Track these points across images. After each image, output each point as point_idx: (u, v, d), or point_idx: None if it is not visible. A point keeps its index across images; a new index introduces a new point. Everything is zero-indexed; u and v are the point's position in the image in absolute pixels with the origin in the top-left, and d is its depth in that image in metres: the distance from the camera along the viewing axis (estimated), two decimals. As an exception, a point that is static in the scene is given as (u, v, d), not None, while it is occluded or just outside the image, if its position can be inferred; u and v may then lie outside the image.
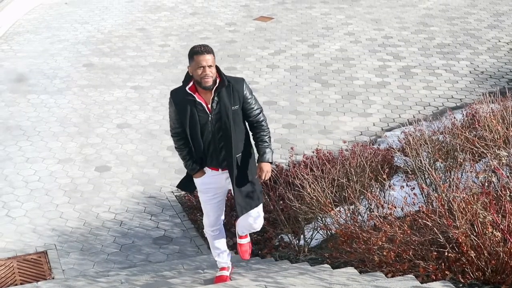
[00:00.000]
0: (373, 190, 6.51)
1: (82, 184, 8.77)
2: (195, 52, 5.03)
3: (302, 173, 6.74)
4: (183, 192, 8.49)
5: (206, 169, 5.36)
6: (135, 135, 10.03)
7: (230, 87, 5.14)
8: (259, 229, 5.69)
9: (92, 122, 10.41)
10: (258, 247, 7.08)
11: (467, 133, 7.15)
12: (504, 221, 4.47)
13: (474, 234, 4.58)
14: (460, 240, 4.60)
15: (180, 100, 5.17)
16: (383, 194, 6.51)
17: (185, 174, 5.59)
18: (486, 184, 5.32)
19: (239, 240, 5.89)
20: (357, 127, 10.19)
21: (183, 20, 14.89)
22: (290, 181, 6.90)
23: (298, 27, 14.30)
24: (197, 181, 5.46)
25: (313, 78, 11.82)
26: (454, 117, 8.21)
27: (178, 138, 5.33)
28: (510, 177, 5.22)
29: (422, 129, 7.49)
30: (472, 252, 4.56)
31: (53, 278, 6.93)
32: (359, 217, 6.06)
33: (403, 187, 6.34)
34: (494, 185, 5.39)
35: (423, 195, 6.13)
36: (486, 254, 4.54)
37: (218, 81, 5.12)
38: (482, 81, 11.57)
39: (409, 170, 6.77)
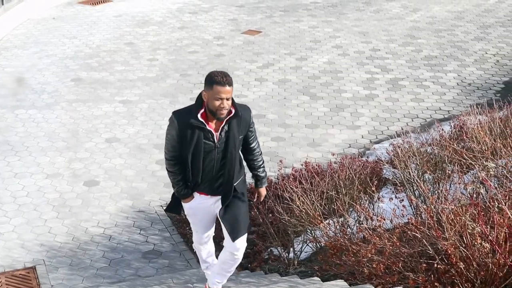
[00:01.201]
0: (362, 203, 6.51)
1: (70, 199, 8.73)
2: (217, 82, 4.80)
3: (291, 186, 6.74)
4: (172, 206, 8.46)
5: (195, 194, 5.27)
6: (124, 149, 10.01)
7: (240, 117, 4.99)
8: (237, 264, 5.43)
9: (80, 137, 10.38)
10: (247, 260, 7.06)
11: (455, 145, 7.18)
12: (493, 232, 4.49)
13: (463, 245, 4.59)
14: (449, 251, 4.61)
15: (187, 125, 4.95)
16: (372, 206, 6.51)
17: (172, 197, 5.45)
18: (475, 195, 5.34)
19: None
20: (345, 139, 10.21)
21: (171, 34, 14.91)
22: (279, 194, 6.90)
23: (286, 40, 14.36)
24: (185, 205, 5.36)
25: (302, 91, 11.85)
26: (442, 129, 8.25)
27: (174, 163, 5.14)
28: (498, 189, 5.24)
29: (411, 141, 7.52)
30: (461, 263, 4.57)
31: (41, 294, 6.88)
32: (349, 229, 6.06)
33: (392, 199, 6.35)
34: (483, 196, 5.41)
35: (412, 207, 6.15)
36: (475, 266, 4.55)
37: (232, 111, 4.96)
38: (469, 93, 11.63)
39: (397, 182, 6.78)
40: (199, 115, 4.94)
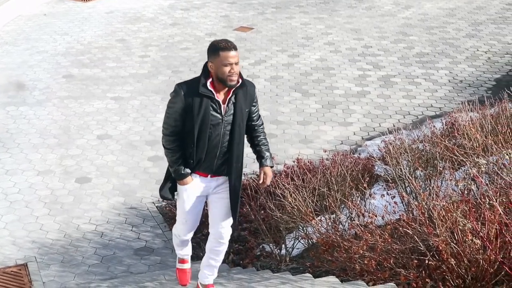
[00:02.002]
0: (353, 199, 6.53)
1: (62, 196, 8.71)
2: (222, 48, 4.66)
3: (283, 183, 6.75)
4: (164, 203, 8.46)
5: (193, 175, 5.00)
6: (116, 146, 9.99)
7: (246, 88, 4.86)
8: (224, 251, 5.38)
9: (72, 134, 10.35)
10: (239, 257, 7.07)
11: (446, 142, 7.21)
12: (484, 228, 4.51)
13: (454, 241, 4.61)
14: (440, 248, 4.62)
15: (193, 95, 4.73)
16: (363, 203, 6.53)
17: (165, 180, 5.17)
18: (466, 192, 5.36)
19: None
20: (337, 136, 10.22)
21: (163, 31, 14.88)
22: (271, 190, 6.91)
23: (278, 37, 14.35)
24: (181, 187, 5.03)
25: (294, 88, 11.86)
26: (434, 126, 8.27)
27: (174, 139, 4.90)
28: (489, 185, 5.26)
29: (402, 138, 7.54)
30: (452, 259, 4.58)
31: (33, 291, 6.87)
32: (340, 226, 6.07)
33: (384, 196, 6.37)
34: (474, 193, 5.43)
35: (404, 203, 6.17)
36: (466, 262, 4.57)
37: (239, 80, 4.80)
38: (461, 90, 11.67)
39: (389, 179, 6.80)
40: (208, 84, 4.76)
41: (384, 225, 5.60)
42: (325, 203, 6.44)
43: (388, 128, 9.58)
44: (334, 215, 6.24)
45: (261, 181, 5.15)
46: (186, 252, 5.70)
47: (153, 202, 8.56)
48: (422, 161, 6.99)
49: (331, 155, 8.52)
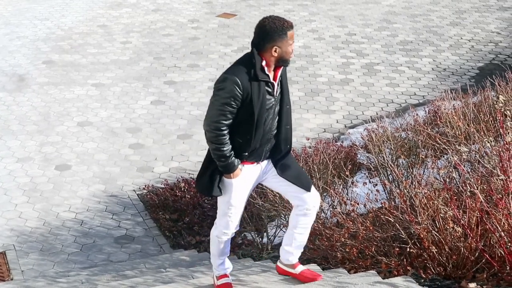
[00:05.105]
0: (336, 187, 6.50)
1: (41, 183, 8.61)
2: (288, 28, 4.31)
3: (265, 170, 6.69)
4: (145, 191, 8.40)
5: (241, 166, 4.52)
6: (96, 133, 9.89)
7: (285, 67, 4.53)
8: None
9: (52, 120, 10.23)
10: (221, 245, 7.01)
11: (429, 130, 7.19)
12: (465, 216, 4.49)
13: (436, 229, 4.58)
14: (422, 235, 4.60)
15: (250, 81, 4.33)
16: (346, 191, 6.50)
17: (210, 178, 4.55)
18: (448, 180, 5.34)
19: (294, 270, 4.90)
20: (320, 124, 10.18)
21: (145, 17, 14.74)
22: (253, 178, 6.84)
23: (262, 24, 14.23)
24: (229, 181, 4.51)
25: (277, 75, 11.77)
26: (417, 114, 8.26)
27: (227, 132, 4.40)
28: (470, 173, 5.24)
29: (385, 126, 7.51)
30: (434, 247, 4.56)
31: (12, 279, 6.78)
32: (322, 214, 6.04)
33: (366, 184, 6.34)
34: (456, 180, 5.42)
35: (386, 191, 6.14)
36: (447, 250, 4.55)
37: None
38: (444, 78, 11.66)
39: (372, 167, 6.77)
40: (264, 66, 4.37)
41: (366, 213, 5.57)
42: (307, 191, 6.39)
43: (371, 116, 9.55)
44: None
45: None
46: (228, 264, 4.98)
47: (133, 190, 8.48)
48: (404, 149, 6.97)
49: (314, 143, 8.48)
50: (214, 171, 4.52)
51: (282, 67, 4.45)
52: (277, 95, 4.46)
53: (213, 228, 4.81)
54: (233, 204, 4.59)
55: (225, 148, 4.40)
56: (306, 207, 4.61)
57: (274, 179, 4.66)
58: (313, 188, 4.65)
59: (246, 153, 4.47)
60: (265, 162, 4.63)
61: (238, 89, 4.29)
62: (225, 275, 4.92)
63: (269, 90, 4.40)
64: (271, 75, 4.40)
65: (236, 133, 4.43)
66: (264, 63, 4.35)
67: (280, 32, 4.29)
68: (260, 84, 4.35)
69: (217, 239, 4.79)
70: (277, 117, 4.51)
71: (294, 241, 4.78)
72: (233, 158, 4.42)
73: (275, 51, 4.33)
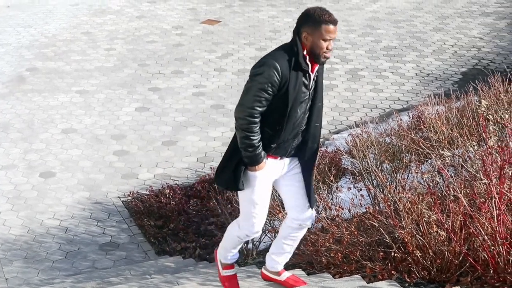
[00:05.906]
0: (320, 192, 6.51)
1: (26, 191, 8.57)
2: (326, 21, 4.11)
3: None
4: (130, 197, 8.37)
5: (265, 159, 4.36)
6: (81, 140, 9.85)
7: (323, 65, 4.37)
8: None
9: (36, 128, 10.18)
10: (206, 251, 7.01)
11: (413, 135, 7.23)
12: (449, 220, 4.51)
13: (420, 234, 4.61)
14: (406, 240, 4.62)
15: (290, 68, 4.14)
16: (330, 196, 6.52)
17: (234, 171, 4.37)
18: (431, 184, 5.37)
19: (279, 277, 4.88)
20: (305, 129, 10.18)
21: (129, 24, 14.72)
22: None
23: (246, 30, 14.29)
24: (253, 174, 4.34)
25: (261, 81, 11.79)
26: (401, 119, 8.30)
27: (258, 120, 4.22)
28: (454, 177, 5.27)
29: (369, 131, 7.54)
30: (418, 251, 4.58)
31: (-5, 288, 6.74)
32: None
33: (350, 189, 6.36)
34: (439, 185, 5.45)
35: (370, 196, 6.16)
36: (431, 254, 4.57)
37: None
38: (427, 83, 11.73)
39: (356, 172, 6.80)
40: (306, 55, 4.19)
41: (351, 218, 5.58)
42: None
43: (355, 122, 9.59)
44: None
45: None
46: (237, 254, 4.93)
47: (118, 197, 8.46)
48: (388, 154, 7.00)
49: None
50: (239, 163, 4.35)
51: (319, 65, 4.28)
52: (311, 90, 4.30)
53: (235, 228, 4.67)
54: (257, 202, 4.43)
55: (255, 138, 4.22)
56: (301, 222, 4.56)
57: (288, 181, 4.54)
58: (314, 209, 4.61)
59: (274, 145, 4.31)
60: (287, 160, 4.48)
61: (277, 75, 4.10)
62: (231, 266, 4.91)
63: (306, 82, 4.23)
64: (309, 66, 4.24)
65: (266, 123, 4.26)
66: (305, 52, 4.18)
67: (316, 20, 4.11)
68: (298, 74, 4.17)
69: (238, 239, 4.68)
70: (308, 113, 4.36)
71: (281, 251, 4.77)
72: (261, 149, 4.26)
73: (306, 38, 4.16)
